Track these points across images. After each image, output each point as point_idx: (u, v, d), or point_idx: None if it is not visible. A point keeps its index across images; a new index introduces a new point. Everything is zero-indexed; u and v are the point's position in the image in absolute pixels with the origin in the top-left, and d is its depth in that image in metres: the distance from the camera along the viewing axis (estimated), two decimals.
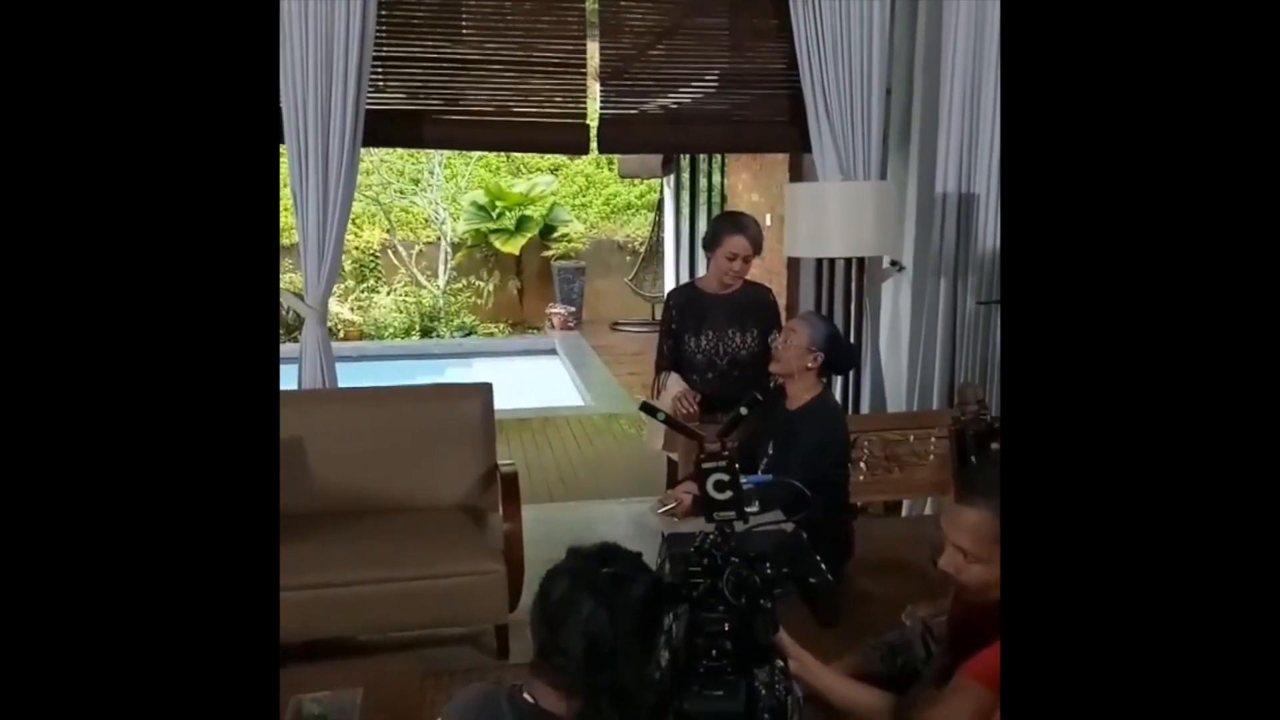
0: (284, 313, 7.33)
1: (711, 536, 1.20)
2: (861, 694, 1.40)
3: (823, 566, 1.17)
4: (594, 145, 3.77)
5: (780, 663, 1.18)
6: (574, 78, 3.67)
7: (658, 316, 9.66)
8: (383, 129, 3.48)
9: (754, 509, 1.23)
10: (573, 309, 9.72)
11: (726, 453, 1.21)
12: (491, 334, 9.60)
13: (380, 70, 3.45)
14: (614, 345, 8.89)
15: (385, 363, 8.25)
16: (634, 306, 10.00)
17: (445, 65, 3.61)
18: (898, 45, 3.69)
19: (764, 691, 1.15)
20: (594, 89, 3.83)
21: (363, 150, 3.41)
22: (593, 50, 3.78)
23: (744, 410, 1.30)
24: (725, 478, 1.21)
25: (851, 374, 3.58)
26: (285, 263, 8.19)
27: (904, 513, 3.66)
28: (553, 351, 8.80)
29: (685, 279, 8.87)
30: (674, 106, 3.95)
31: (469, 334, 9.42)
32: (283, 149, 3.34)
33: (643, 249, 10.21)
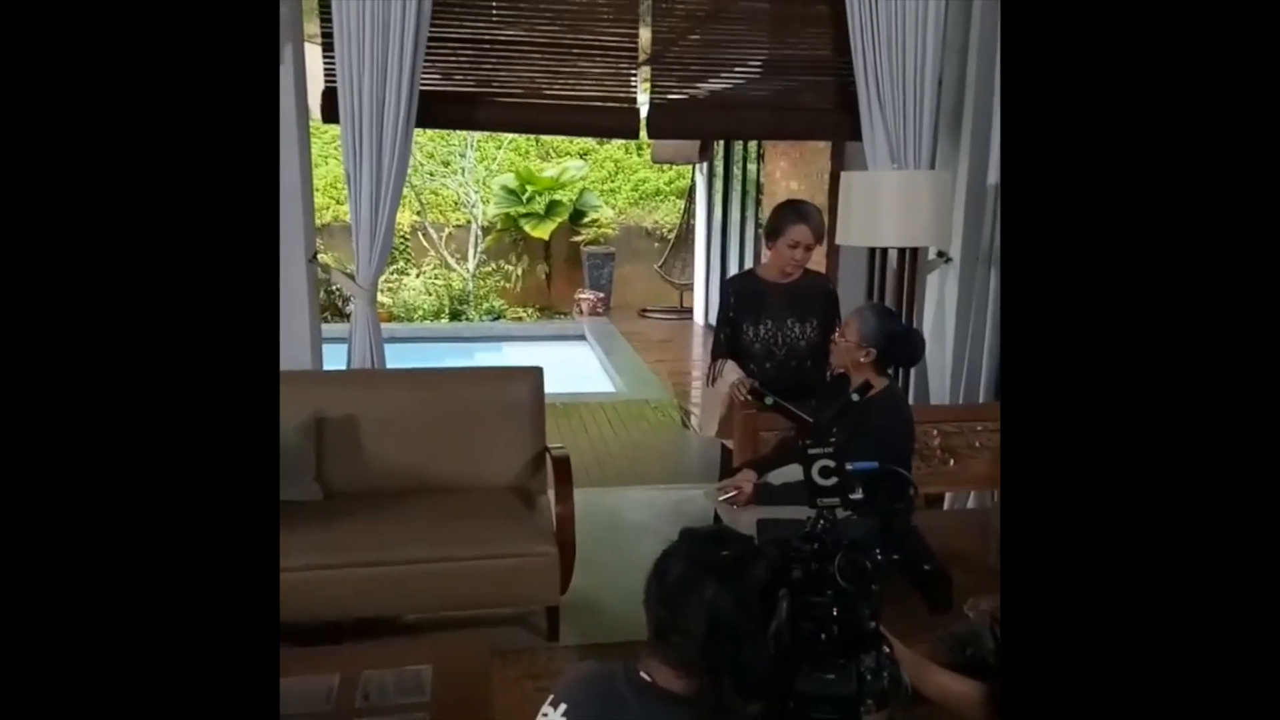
0: (325, 294, 7.43)
1: (822, 522, 1.20)
2: (953, 683, 1.41)
3: (933, 553, 1.18)
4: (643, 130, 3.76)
5: (886, 649, 1.19)
6: (624, 62, 3.66)
7: (686, 304, 9.75)
8: (434, 110, 3.49)
9: (858, 495, 1.24)
10: (601, 294, 9.72)
11: (833, 439, 1.22)
12: (520, 318, 9.63)
13: (433, 52, 3.45)
14: (642, 332, 8.90)
15: (415, 345, 8.27)
16: (663, 293, 10.00)
17: (496, 47, 3.61)
18: (952, 34, 3.65)
19: (869, 677, 1.16)
20: (644, 73, 3.81)
21: None
22: (644, 35, 3.76)
23: (856, 397, 1.30)
24: (831, 464, 1.22)
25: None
26: (328, 240, 8.27)
27: (945, 506, 3.65)
28: (582, 337, 8.81)
29: (716, 266, 8.86)
30: (723, 92, 3.93)
31: (497, 318, 9.45)
32: (336, 129, 3.35)
33: (672, 236, 10.19)
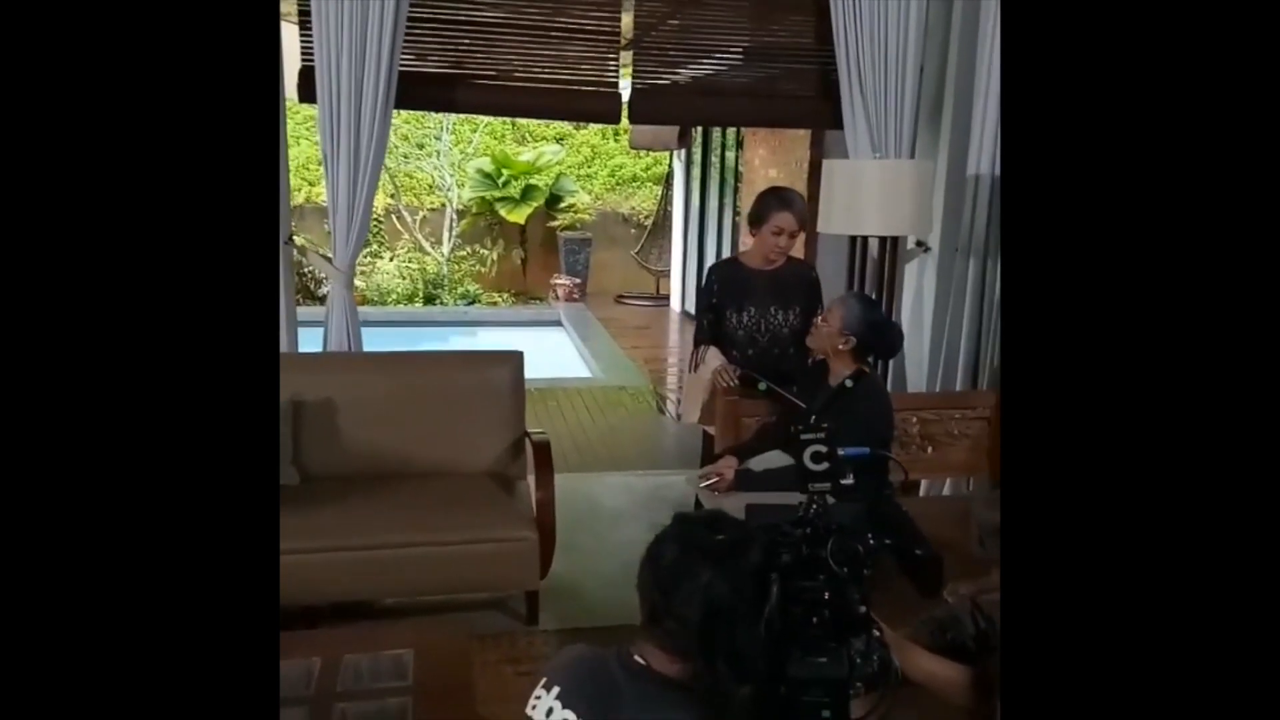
0: (298, 276, 7.34)
1: (815, 507, 1.21)
2: (939, 666, 1.43)
3: (925, 537, 1.19)
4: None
5: (876, 632, 1.20)
6: (606, 46, 3.64)
7: (663, 290, 9.74)
8: (413, 91, 3.44)
9: (849, 481, 1.25)
10: (578, 280, 9.69)
11: (826, 425, 1.22)
12: (495, 303, 9.58)
13: (412, 32, 3.40)
14: (619, 318, 8.89)
15: (388, 328, 8.19)
16: (639, 279, 9.99)
17: (477, 28, 3.57)
18: (933, 23, 3.66)
19: (859, 660, 1.17)
20: (625, 58, 3.79)
21: None
22: (625, 20, 3.74)
23: (849, 384, 1.30)
24: (823, 449, 1.22)
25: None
26: (299, 222, 8.16)
27: (921, 493, 3.69)
28: (558, 322, 8.79)
29: (693, 253, 8.86)
30: (705, 78, 3.92)
31: (472, 302, 9.39)
32: (308, 110, 3.30)
33: (648, 222, 10.18)
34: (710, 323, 3.02)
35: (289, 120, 7.96)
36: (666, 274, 9.67)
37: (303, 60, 3.28)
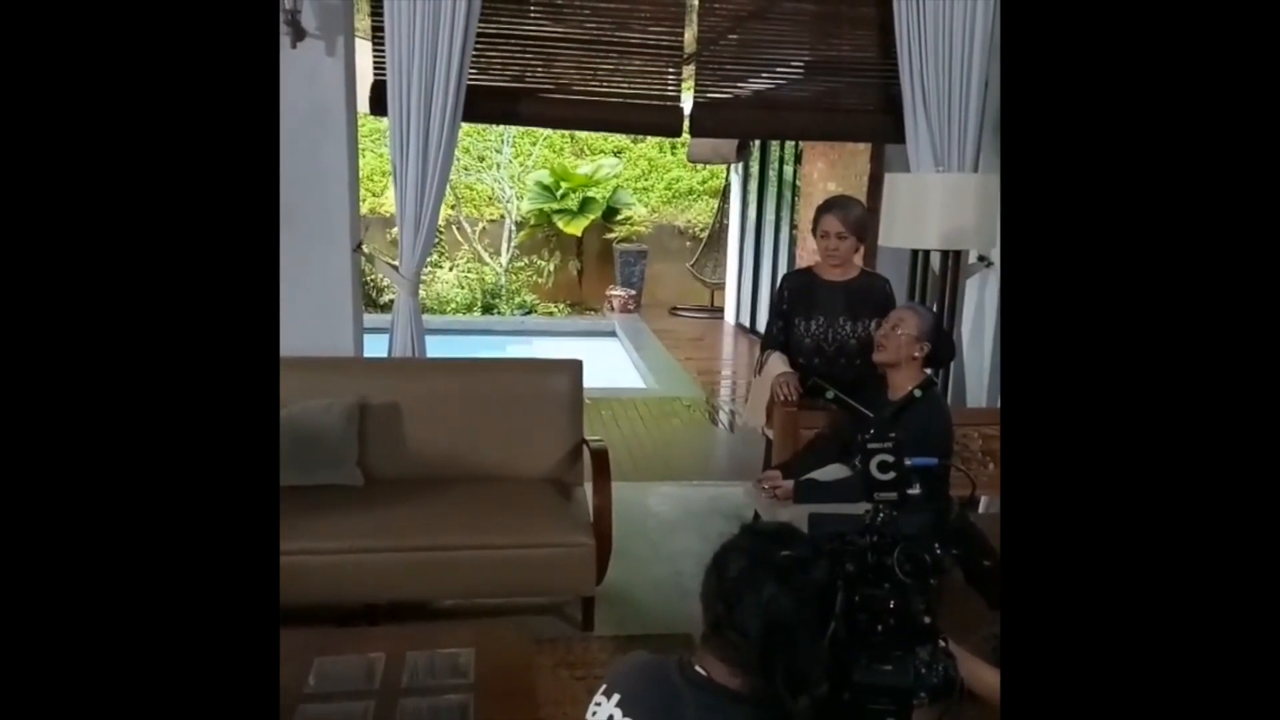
0: (366, 284, 7.51)
1: (882, 515, 1.22)
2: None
3: (994, 550, 1.19)
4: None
5: (942, 643, 1.20)
6: (669, 60, 3.68)
7: (717, 303, 9.74)
8: (479, 105, 3.52)
9: (915, 491, 1.25)
10: (633, 292, 9.75)
11: (893, 434, 1.23)
12: (551, 313, 9.68)
13: (478, 47, 3.49)
14: (673, 330, 8.91)
15: (447, 336, 8.31)
16: (693, 292, 10.01)
17: (542, 43, 3.65)
18: (998, 37, 3.63)
19: (924, 670, 1.17)
20: (687, 73, 3.83)
21: None
22: (689, 35, 3.78)
23: (918, 393, 1.31)
24: (890, 458, 1.23)
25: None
26: (364, 232, 8.35)
27: (980, 509, 3.64)
28: (613, 333, 8.84)
29: (749, 266, 8.86)
30: (766, 92, 3.94)
31: (529, 312, 9.51)
32: (378, 122, 3.40)
33: (704, 235, 10.20)
34: (779, 329, 3.04)
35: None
36: (721, 287, 9.68)
37: (375, 75, 3.39)
